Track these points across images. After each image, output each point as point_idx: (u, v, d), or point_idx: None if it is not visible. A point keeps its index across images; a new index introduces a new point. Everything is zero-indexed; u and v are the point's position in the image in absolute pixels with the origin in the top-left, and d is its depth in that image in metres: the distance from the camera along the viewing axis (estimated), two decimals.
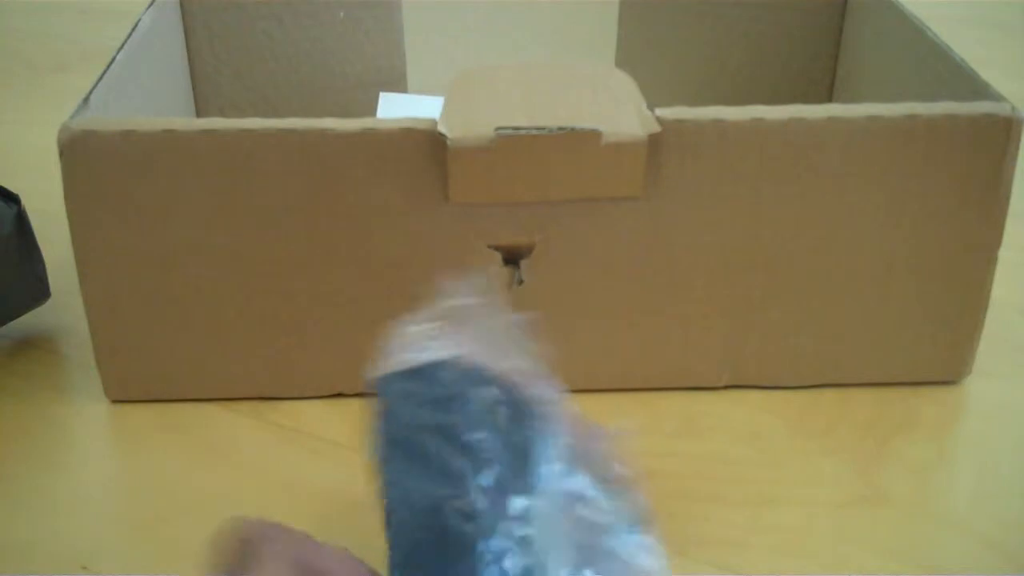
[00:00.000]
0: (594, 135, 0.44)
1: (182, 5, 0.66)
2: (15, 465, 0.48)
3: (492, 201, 0.46)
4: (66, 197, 0.46)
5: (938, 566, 0.42)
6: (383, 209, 0.46)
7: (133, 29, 0.56)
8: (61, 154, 0.45)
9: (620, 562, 0.35)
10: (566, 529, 0.34)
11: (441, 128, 0.44)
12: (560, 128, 0.44)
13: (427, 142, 0.45)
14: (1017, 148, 0.46)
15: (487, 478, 0.34)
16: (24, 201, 0.53)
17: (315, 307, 0.48)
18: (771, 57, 0.70)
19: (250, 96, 0.69)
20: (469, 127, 0.44)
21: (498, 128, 0.44)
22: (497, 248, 0.47)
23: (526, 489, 0.34)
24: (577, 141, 0.44)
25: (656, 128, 0.44)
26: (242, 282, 0.48)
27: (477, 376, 0.37)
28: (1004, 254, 0.49)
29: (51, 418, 0.50)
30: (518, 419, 0.36)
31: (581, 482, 0.36)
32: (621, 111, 0.45)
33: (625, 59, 0.69)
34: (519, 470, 0.34)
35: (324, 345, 0.49)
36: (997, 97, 0.47)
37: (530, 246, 0.47)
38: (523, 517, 0.33)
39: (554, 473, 0.35)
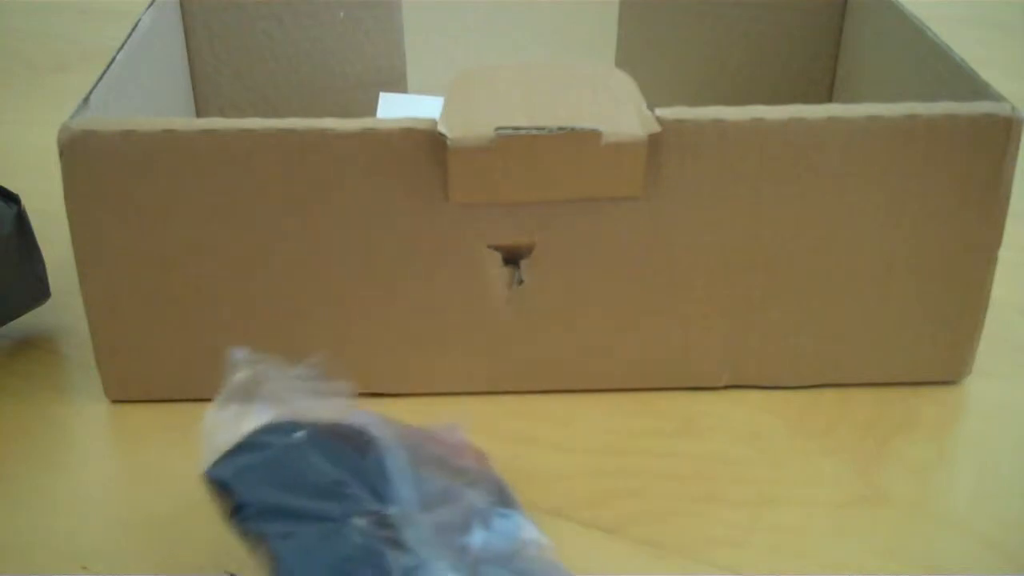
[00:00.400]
0: (594, 135, 0.44)
1: (182, 5, 0.66)
2: (15, 465, 0.48)
3: (492, 201, 0.46)
4: (66, 197, 0.46)
5: (938, 566, 0.42)
6: (383, 209, 0.46)
7: (133, 29, 0.56)
8: (61, 154, 0.45)
9: (501, 543, 0.37)
10: (436, 528, 0.36)
11: (441, 128, 0.44)
12: (560, 128, 0.44)
13: (427, 142, 0.45)
14: (1017, 148, 0.46)
15: (360, 504, 0.36)
16: (24, 201, 0.53)
17: (315, 307, 0.48)
18: (771, 57, 0.70)
19: (250, 96, 0.69)
20: (469, 127, 0.44)
21: (498, 128, 0.44)
22: (497, 248, 0.47)
23: (390, 502, 0.36)
24: (577, 141, 0.44)
25: (656, 128, 0.44)
26: (242, 282, 0.48)
27: (294, 427, 0.38)
28: (1004, 254, 0.49)
29: (51, 418, 0.50)
30: (355, 448, 0.38)
31: (437, 483, 0.37)
32: (621, 111, 0.45)
33: (625, 59, 0.69)
34: (377, 489, 0.36)
35: (324, 345, 0.49)
36: (997, 97, 0.47)
37: (530, 246, 0.47)
38: (397, 526, 0.35)
39: (407, 482, 0.37)
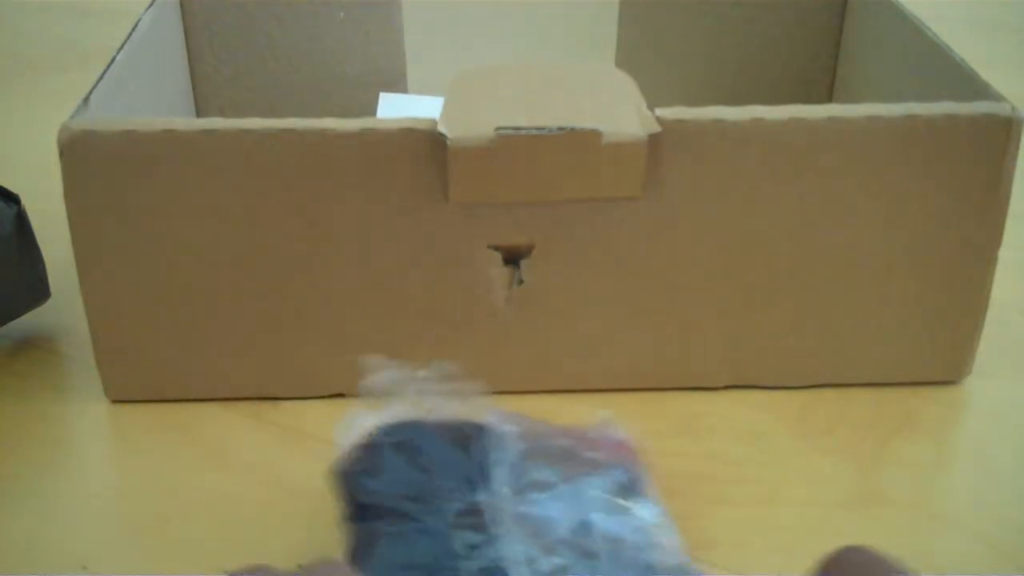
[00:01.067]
0: (594, 135, 0.44)
1: (182, 5, 0.66)
2: (15, 465, 0.48)
3: (492, 201, 0.46)
4: (66, 197, 0.46)
5: (938, 566, 0.42)
6: (383, 209, 0.46)
7: (133, 29, 0.56)
8: (61, 154, 0.45)
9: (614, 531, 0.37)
10: (523, 513, 0.37)
11: (441, 128, 0.44)
12: (560, 128, 0.44)
13: (427, 142, 0.45)
14: (1017, 148, 0.46)
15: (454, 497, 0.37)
16: (24, 201, 0.53)
17: (315, 307, 0.48)
18: (771, 57, 0.70)
19: (250, 96, 0.69)
20: (469, 127, 0.44)
21: (498, 128, 0.44)
22: (497, 248, 0.47)
23: (482, 490, 0.37)
24: (577, 141, 0.44)
25: (656, 128, 0.44)
26: (242, 282, 0.48)
27: (413, 426, 0.40)
28: (1004, 254, 0.49)
29: (51, 418, 0.50)
30: (463, 443, 0.39)
31: (549, 472, 0.38)
32: (621, 111, 0.45)
33: (625, 59, 0.69)
34: (473, 479, 0.38)
35: (324, 345, 0.49)
36: (997, 97, 0.47)
37: (530, 246, 0.47)
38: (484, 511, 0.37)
39: (506, 471, 0.38)
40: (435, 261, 0.48)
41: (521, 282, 0.48)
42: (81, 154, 0.45)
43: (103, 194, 0.46)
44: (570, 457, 0.39)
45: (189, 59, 0.68)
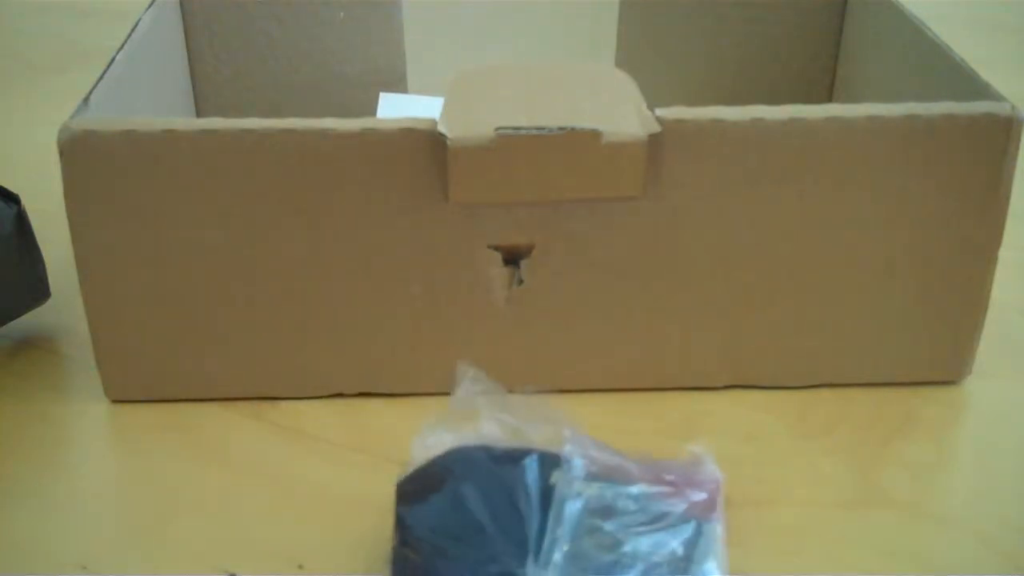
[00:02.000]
0: (594, 135, 0.44)
1: (182, 5, 0.66)
2: (15, 465, 0.48)
3: (492, 201, 0.46)
4: (66, 197, 0.46)
5: (938, 566, 0.42)
6: (383, 209, 0.46)
7: (133, 29, 0.56)
8: (61, 154, 0.45)
9: None
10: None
11: (441, 128, 0.44)
12: (560, 128, 0.44)
13: (427, 142, 0.45)
14: (1017, 148, 0.46)
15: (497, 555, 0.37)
16: (24, 201, 0.52)
17: (315, 307, 0.48)
18: (771, 57, 0.70)
19: (250, 96, 0.69)
20: (469, 127, 0.44)
21: (498, 128, 0.44)
22: (497, 248, 0.47)
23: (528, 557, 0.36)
24: (577, 141, 0.44)
25: (656, 128, 0.44)
26: (242, 282, 0.48)
27: (480, 452, 0.40)
28: (1004, 254, 0.49)
29: (51, 418, 0.50)
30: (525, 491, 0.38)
31: (609, 533, 0.37)
32: (621, 111, 0.45)
33: (625, 59, 0.69)
34: (522, 541, 0.37)
35: (324, 345, 0.49)
36: (997, 97, 0.47)
37: (530, 246, 0.47)
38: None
39: (562, 534, 0.37)
40: (435, 261, 0.48)
41: (521, 282, 0.48)
42: (81, 154, 0.45)
43: (103, 194, 0.46)
44: (641, 506, 0.38)
45: (189, 59, 0.68)
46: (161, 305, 0.49)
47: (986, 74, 0.50)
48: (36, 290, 0.54)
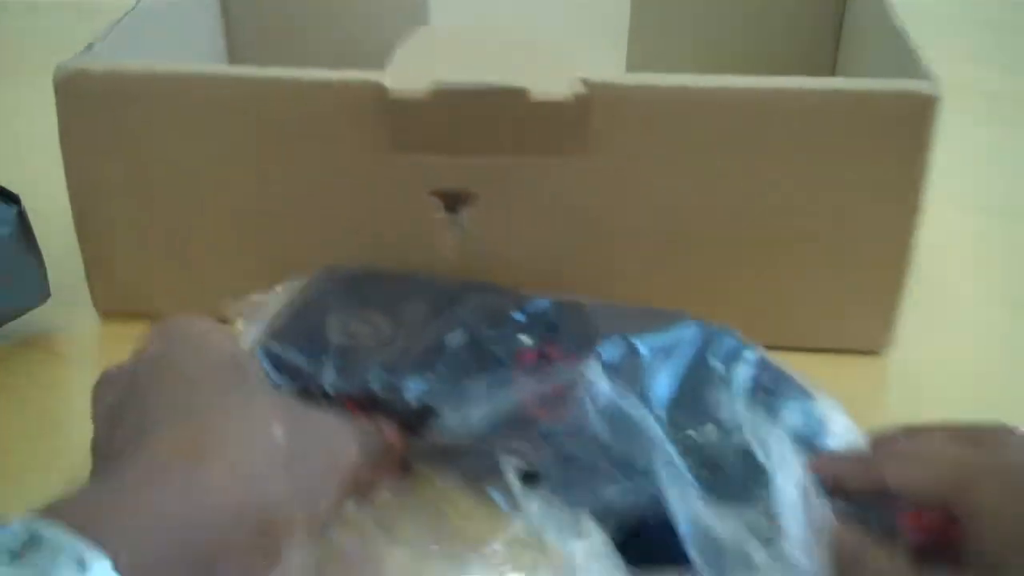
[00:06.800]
0: (521, 92, 0.47)
1: None
2: (15, 465, 0.48)
3: (432, 151, 0.49)
4: (60, 131, 0.51)
5: None
6: (333, 155, 0.50)
7: None
8: (56, 91, 0.50)
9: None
10: None
11: (384, 80, 0.48)
12: (490, 84, 0.47)
13: (375, 93, 0.48)
14: (936, 125, 0.48)
15: None
16: (24, 201, 0.53)
17: (268, 245, 0.53)
18: (781, 49, 0.72)
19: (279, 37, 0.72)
20: (409, 80, 0.48)
21: (435, 81, 0.47)
22: (439, 195, 0.51)
23: None
24: (506, 97, 0.47)
25: (581, 90, 0.47)
26: (206, 216, 0.52)
27: None
28: (928, 231, 0.50)
29: (51, 418, 0.51)
30: None
31: None
32: (553, 72, 0.48)
33: (638, 49, 0.71)
34: None
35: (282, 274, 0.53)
36: (928, 76, 0.48)
37: (468, 195, 0.51)
38: None
39: None
40: (383, 206, 0.51)
41: (462, 228, 0.51)
42: (73, 92, 0.50)
43: (92, 129, 0.51)
44: None
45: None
46: (141, 229, 0.53)
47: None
48: (36, 290, 0.54)
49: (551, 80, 0.48)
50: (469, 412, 0.42)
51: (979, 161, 0.72)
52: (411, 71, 0.48)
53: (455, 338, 0.45)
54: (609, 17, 0.72)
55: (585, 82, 0.48)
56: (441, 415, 0.42)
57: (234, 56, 0.72)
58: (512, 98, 0.47)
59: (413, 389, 0.42)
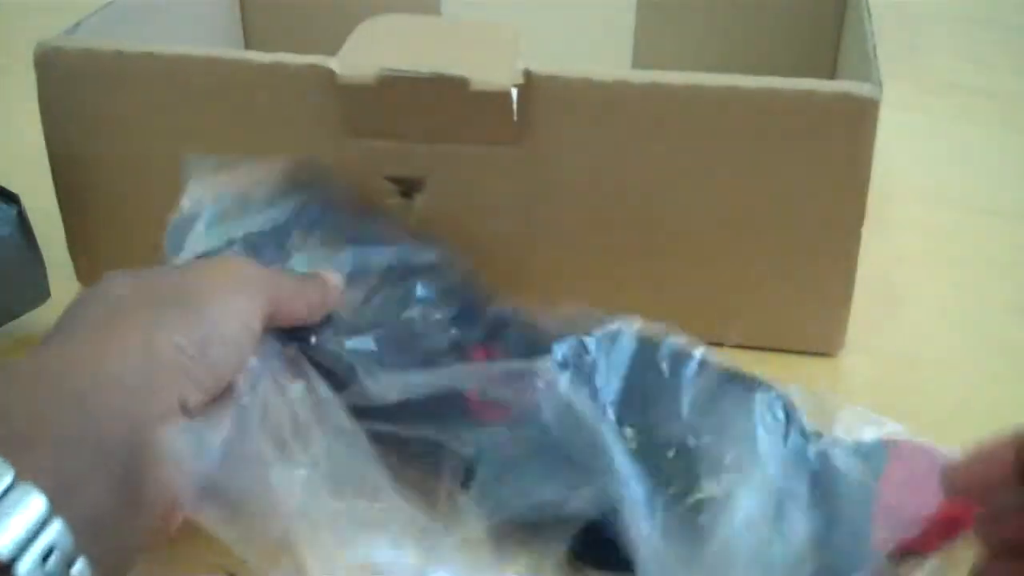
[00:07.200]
0: (462, 81, 0.48)
1: None
2: None
3: (380, 136, 0.51)
4: (40, 106, 0.54)
5: None
6: (293, 137, 0.52)
7: None
8: (36, 67, 0.53)
9: None
10: None
11: (333, 66, 0.49)
12: (432, 72, 0.48)
13: (326, 77, 0.50)
14: (875, 126, 0.47)
15: None
16: (24, 201, 0.53)
17: None
18: (785, 54, 0.71)
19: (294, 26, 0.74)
20: (357, 67, 0.49)
21: (381, 68, 0.49)
22: (392, 180, 0.52)
23: None
24: (447, 85, 0.48)
25: (520, 80, 0.48)
26: (175, 193, 0.54)
27: None
28: (877, 236, 0.50)
29: None
30: None
31: None
32: (495, 63, 0.49)
33: (642, 51, 0.72)
34: None
35: None
36: (871, 78, 0.48)
37: (421, 181, 0.52)
38: None
39: None
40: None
41: (418, 214, 0.53)
42: (51, 68, 0.53)
43: (68, 104, 0.54)
44: None
45: None
46: (119, 202, 0.55)
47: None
48: (36, 290, 0.54)
49: (493, 70, 0.49)
50: (393, 381, 0.42)
51: (978, 161, 0.71)
52: (360, 57, 0.50)
53: (413, 313, 0.46)
54: (615, 16, 0.72)
55: (526, 73, 0.48)
56: (368, 377, 0.42)
57: (250, 47, 0.75)
58: (454, 87, 0.48)
59: (351, 348, 0.43)
